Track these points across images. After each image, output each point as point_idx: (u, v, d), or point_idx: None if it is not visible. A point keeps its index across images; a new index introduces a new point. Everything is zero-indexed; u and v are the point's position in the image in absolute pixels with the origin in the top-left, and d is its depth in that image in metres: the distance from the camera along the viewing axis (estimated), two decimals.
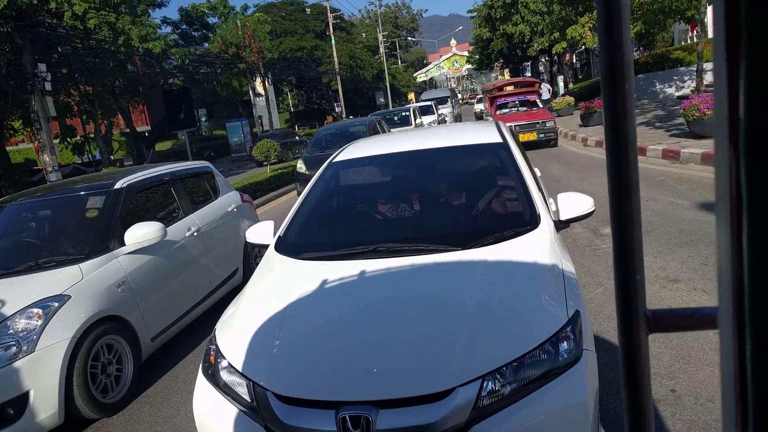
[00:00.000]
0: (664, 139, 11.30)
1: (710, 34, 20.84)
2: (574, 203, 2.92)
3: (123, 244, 4.11)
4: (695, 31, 19.17)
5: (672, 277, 4.58)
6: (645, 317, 0.52)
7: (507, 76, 59.59)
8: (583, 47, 28.93)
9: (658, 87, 21.07)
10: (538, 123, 14.65)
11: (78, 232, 4.32)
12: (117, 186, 4.45)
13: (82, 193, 4.52)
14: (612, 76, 0.48)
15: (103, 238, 4.06)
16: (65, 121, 23.46)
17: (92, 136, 24.22)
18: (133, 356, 3.94)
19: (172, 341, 4.59)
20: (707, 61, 16.03)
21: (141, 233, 4.12)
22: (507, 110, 16.68)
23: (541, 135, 14.50)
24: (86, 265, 3.81)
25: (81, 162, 26.53)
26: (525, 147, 11.87)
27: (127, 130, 30.19)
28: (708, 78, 17.10)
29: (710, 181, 7.91)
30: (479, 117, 29.76)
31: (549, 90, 26.73)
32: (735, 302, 0.39)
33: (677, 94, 19.79)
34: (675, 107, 15.75)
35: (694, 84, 16.03)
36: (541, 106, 16.57)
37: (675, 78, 20.67)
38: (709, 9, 21.22)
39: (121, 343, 3.87)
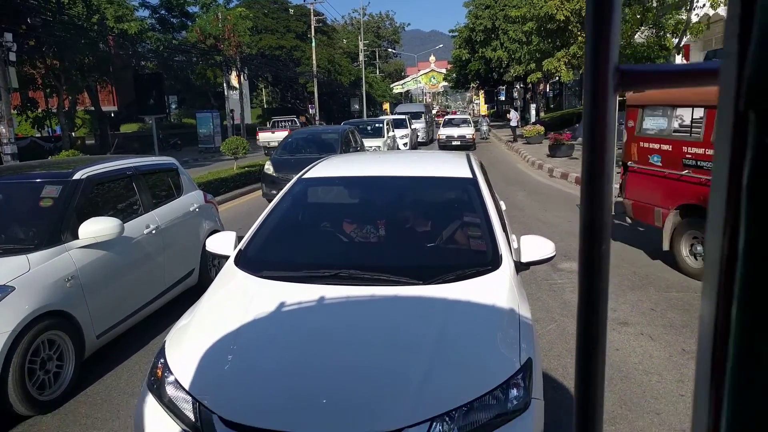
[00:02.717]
0: None
1: None
2: (536, 247, 2.97)
3: (76, 237, 3.97)
4: None
5: (622, 320, 4.72)
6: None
7: (482, 98, 60.48)
8: (558, 78, 29.74)
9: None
10: None
11: (29, 221, 4.15)
12: (76, 177, 4.30)
13: (38, 180, 4.34)
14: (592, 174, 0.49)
15: (55, 229, 3.91)
16: (27, 94, 22.61)
17: (54, 111, 23.42)
18: (76, 353, 3.80)
19: (117, 339, 4.45)
20: None
21: (96, 228, 4.00)
22: None
23: None
24: (35, 256, 3.67)
25: (40, 136, 25.57)
26: None
27: (92, 108, 29.29)
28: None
29: None
30: (444, 146, 22.55)
31: (517, 117, 27.14)
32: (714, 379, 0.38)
33: None
34: None
35: None
36: None
37: None
38: (678, 58, 22.07)
39: (64, 339, 3.73)
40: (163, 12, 30.13)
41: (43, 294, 3.56)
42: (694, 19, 14.89)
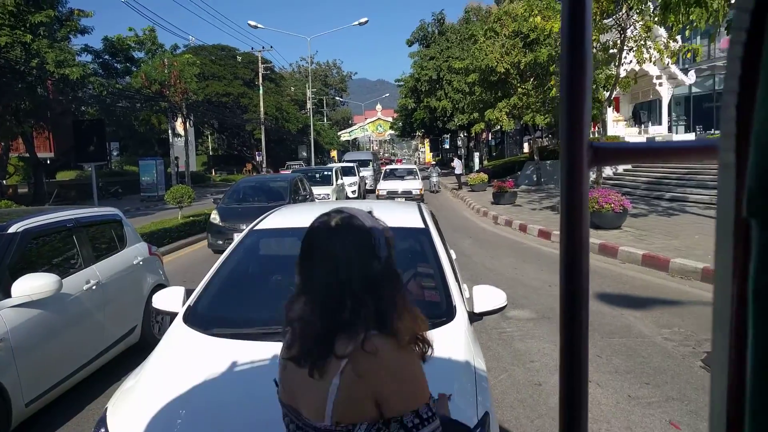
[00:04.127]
0: None
1: (609, 132, 22.92)
2: (488, 297, 3.01)
3: (9, 295, 3.73)
4: (596, 128, 21.07)
5: None
6: None
7: (427, 146, 61.98)
8: (500, 127, 30.91)
9: None
10: None
11: None
12: (11, 230, 4.08)
13: None
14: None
15: None
16: None
17: None
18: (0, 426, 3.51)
19: (49, 406, 4.14)
20: None
21: (32, 285, 3.77)
22: None
23: None
24: None
25: None
26: None
27: (27, 155, 28.12)
28: (606, 171, 18.72)
29: (605, 271, 8.50)
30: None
31: (461, 165, 27.93)
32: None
33: None
34: None
35: (594, 176, 17.45)
36: None
37: None
38: (609, 110, 23.39)
39: None
40: (106, 57, 29.65)
41: None
42: (623, 73, 15.93)
